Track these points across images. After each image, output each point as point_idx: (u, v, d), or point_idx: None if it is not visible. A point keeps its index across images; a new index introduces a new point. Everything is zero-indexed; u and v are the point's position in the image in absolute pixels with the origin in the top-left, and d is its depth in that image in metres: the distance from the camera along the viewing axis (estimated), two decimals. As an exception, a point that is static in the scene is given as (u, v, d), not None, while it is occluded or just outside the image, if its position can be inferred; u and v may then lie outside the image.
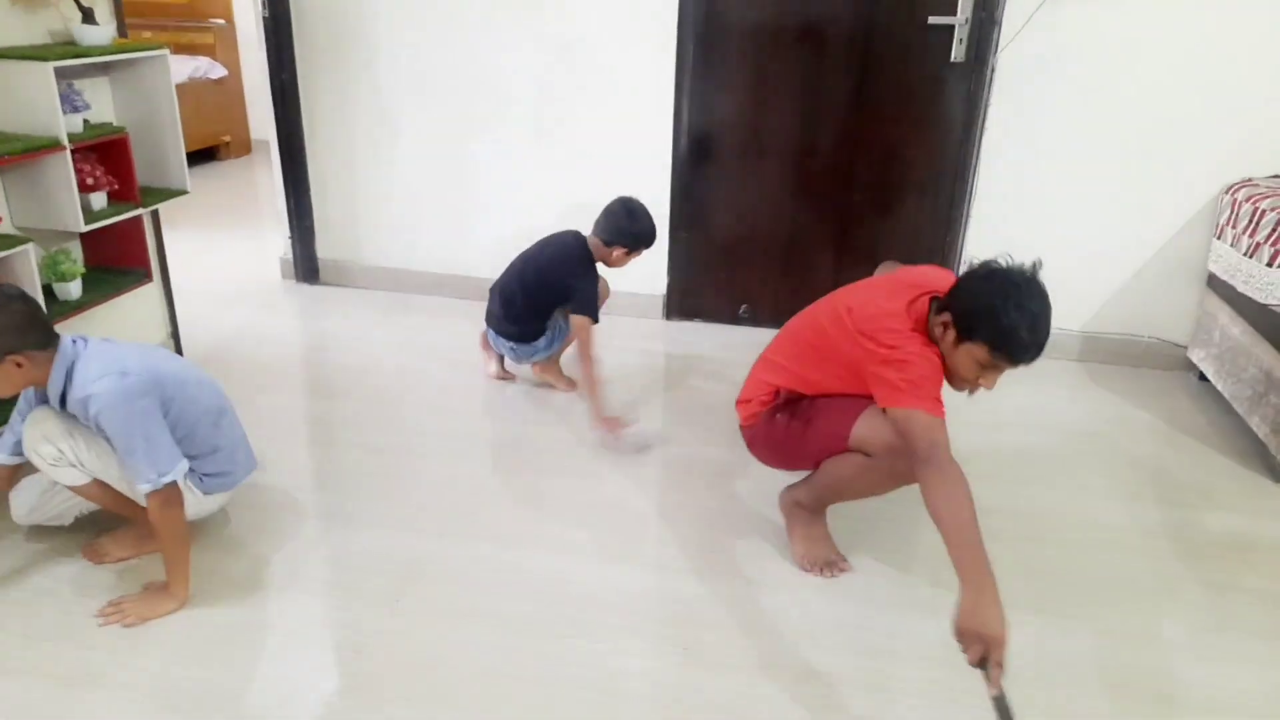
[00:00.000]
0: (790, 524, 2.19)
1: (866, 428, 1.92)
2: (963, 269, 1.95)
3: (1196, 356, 3.17)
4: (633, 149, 3.52)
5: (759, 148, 3.50)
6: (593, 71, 3.46)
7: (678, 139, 3.49)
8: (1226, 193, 3.05)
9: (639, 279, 3.69)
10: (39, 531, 2.17)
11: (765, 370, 2.14)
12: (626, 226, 2.78)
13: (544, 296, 2.87)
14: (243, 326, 3.58)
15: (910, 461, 1.70)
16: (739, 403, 2.20)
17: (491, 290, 2.99)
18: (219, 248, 4.56)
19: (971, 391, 1.88)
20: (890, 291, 1.94)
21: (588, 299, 2.76)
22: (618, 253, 2.81)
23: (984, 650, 1.48)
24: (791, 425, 2.06)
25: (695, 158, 3.52)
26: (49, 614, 1.93)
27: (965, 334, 1.77)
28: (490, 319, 2.98)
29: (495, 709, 1.73)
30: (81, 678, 1.76)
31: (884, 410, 1.79)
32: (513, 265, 2.96)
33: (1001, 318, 1.71)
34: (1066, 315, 3.40)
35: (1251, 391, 2.74)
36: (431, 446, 2.70)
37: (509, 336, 2.93)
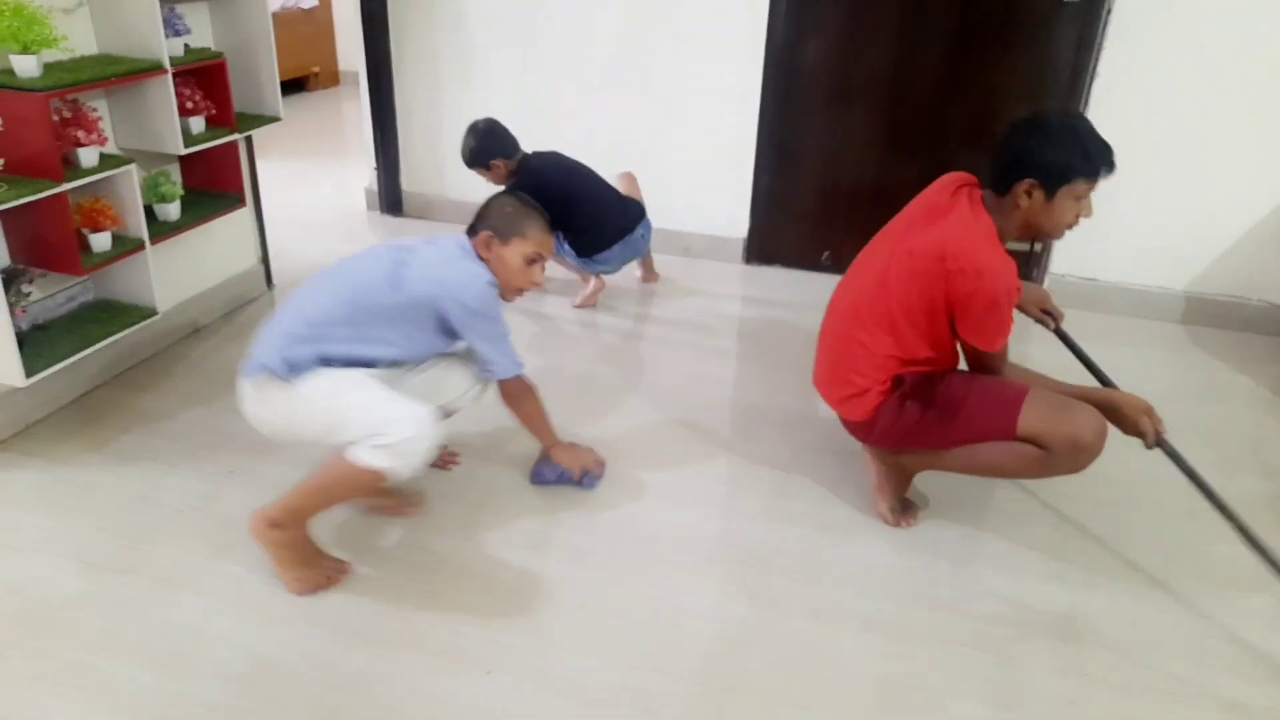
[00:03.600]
0: (882, 480, 2.15)
1: (1040, 421, 1.85)
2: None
3: (1309, 324, 3.00)
4: (720, 91, 3.44)
5: (850, 91, 3.38)
6: (681, 11, 3.37)
7: (766, 81, 3.39)
8: (1359, 150, 2.85)
9: (721, 223, 3.64)
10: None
11: (870, 364, 1.98)
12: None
13: None
14: (328, 254, 3.64)
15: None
16: (847, 398, 2.04)
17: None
18: (307, 177, 4.65)
19: (1073, 226, 1.91)
20: (943, 213, 1.89)
21: None
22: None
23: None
24: (930, 414, 1.94)
25: (783, 100, 3.42)
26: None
27: (1060, 181, 1.81)
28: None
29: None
30: None
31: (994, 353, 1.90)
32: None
33: (1085, 145, 1.80)
34: (1170, 275, 3.24)
35: (1370, 363, 2.57)
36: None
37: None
